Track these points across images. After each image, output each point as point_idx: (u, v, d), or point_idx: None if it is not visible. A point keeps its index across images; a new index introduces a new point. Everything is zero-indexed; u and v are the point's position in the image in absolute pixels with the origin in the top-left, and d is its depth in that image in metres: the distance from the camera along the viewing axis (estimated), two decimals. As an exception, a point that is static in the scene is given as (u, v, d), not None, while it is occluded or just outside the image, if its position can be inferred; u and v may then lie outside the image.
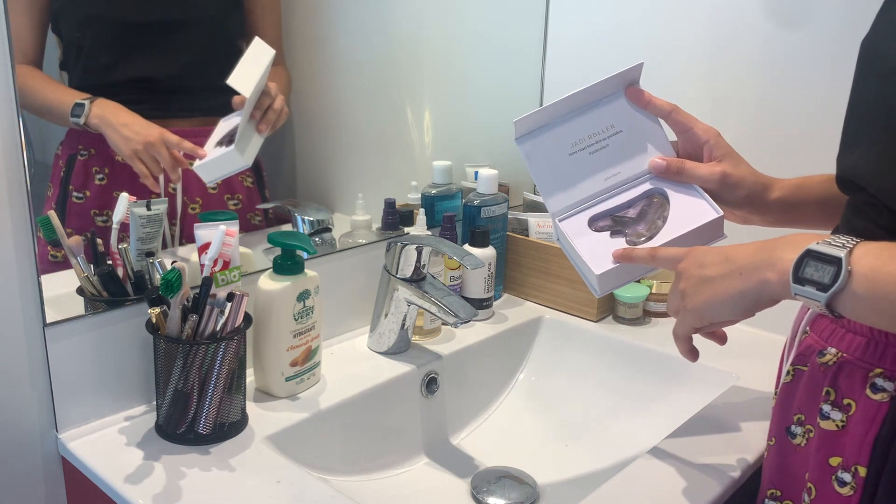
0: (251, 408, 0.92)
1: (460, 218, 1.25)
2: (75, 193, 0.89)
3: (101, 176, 0.90)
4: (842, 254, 0.58)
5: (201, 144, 0.96)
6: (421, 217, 1.15)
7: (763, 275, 0.64)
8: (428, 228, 1.17)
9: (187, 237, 0.96)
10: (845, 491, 0.66)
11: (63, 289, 0.84)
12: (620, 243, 0.84)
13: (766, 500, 0.76)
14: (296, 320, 0.93)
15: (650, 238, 0.83)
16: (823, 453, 0.68)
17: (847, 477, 0.66)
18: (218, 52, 0.97)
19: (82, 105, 0.85)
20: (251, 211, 1.03)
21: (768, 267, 0.64)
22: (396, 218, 1.16)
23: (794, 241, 0.63)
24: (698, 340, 0.78)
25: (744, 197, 0.84)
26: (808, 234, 0.63)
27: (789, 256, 0.62)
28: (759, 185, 0.84)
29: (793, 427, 0.72)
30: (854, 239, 0.60)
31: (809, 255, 0.60)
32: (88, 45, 0.87)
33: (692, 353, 0.78)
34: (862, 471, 0.64)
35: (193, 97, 0.97)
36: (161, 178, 0.94)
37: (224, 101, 0.95)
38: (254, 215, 1.04)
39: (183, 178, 0.95)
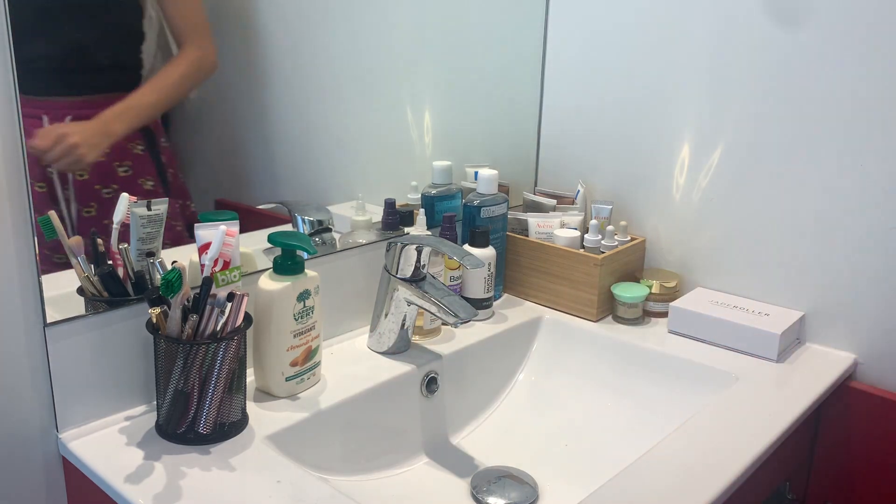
0: (251, 408, 0.92)
1: (460, 218, 1.25)
2: (84, 209, 0.89)
3: (108, 191, 0.90)
4: None
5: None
6: (421, 217, 1.15)
7: None
8: (428, 228, 1.17)
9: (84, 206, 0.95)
10: None
11: (63, 289, 0.84)
12: None
13: None
14: (296, 320, 0.93)
15: None
16: None
17: None
18: (116, 30, 0.96)
19: None
20: (142, 177, 1.04)
21: None
22: (396, 218, 1.16)
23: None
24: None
25: None
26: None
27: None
28: None
29: None
30: None
31: None
32: None
33: None
34: None
35: (97, 74, 0.97)
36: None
37: (116, 77, 0.96)
38: (145, 180, 1.04)
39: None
